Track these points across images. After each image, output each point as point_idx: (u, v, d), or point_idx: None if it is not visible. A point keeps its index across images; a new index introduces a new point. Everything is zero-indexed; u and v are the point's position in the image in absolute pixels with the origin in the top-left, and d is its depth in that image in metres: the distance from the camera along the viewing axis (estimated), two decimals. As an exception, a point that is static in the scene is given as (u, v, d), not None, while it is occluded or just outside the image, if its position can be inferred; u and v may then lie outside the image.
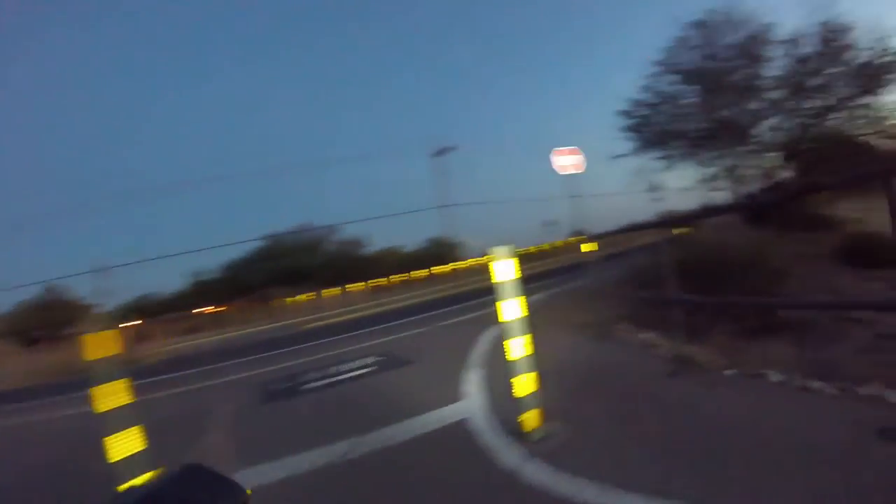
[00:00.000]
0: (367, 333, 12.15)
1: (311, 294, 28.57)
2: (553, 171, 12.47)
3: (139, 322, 24.53)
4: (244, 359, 11.97)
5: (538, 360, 3.76)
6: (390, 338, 10.51)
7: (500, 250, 3.63)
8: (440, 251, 53.48)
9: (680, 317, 6.86)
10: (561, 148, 12.58)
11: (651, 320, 7.17)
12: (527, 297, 3.80)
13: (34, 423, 8.68)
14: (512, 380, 3.66)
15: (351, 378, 7.13)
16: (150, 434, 3.15)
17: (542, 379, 3.79)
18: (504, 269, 3.62)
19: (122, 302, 50.00)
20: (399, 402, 5.31)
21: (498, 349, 7.08)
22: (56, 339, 30.81)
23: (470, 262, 37.90)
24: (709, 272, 7.32)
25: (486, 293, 18.32)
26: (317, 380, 7.47)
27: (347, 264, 51.16)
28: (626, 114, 17.65)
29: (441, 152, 35.87)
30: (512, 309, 3.62)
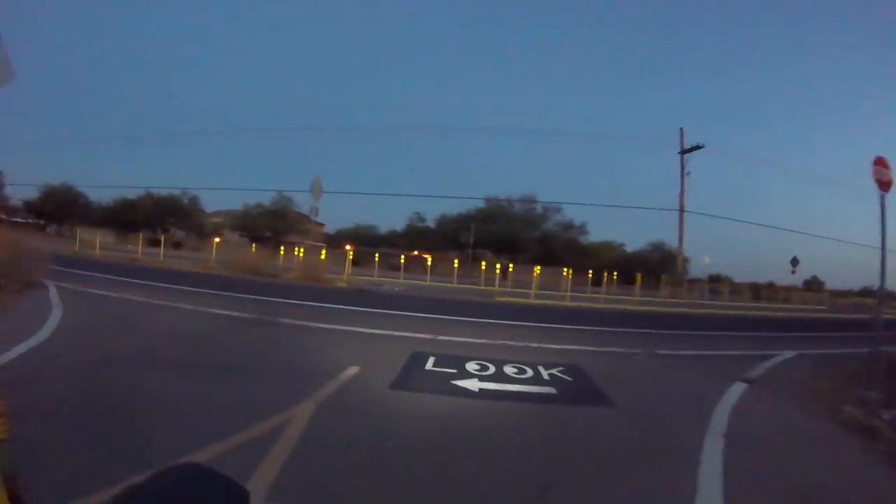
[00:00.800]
0: (562, 332, 9.72)
1: (511, 266, 26.71)
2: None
3: (350, 248, 25.68)
4: (418, 314, 10.62)
5: None
6: (586, 348, 7.92)
7: None
8: (662, 258, 47.64)
9: None
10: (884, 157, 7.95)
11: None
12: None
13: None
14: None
15: (515, 394, 4.87)
16: None
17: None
18: None
19: (340, 227, 55.75)
20: (579, 487, 2.89)
21: (764, 426, 4.34)
22: (278, 242, 34.61)
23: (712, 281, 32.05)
24: None
25: (732, 326, 14.25)
26: (474, 375, 5.38)
27: (562, 247, 48.65)
28: None
29: (689, 150, 30.24)
30: None
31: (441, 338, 7.63)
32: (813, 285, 42.16)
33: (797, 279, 28.18)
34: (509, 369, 5.81)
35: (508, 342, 7.72)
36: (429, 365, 5.75)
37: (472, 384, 5.02)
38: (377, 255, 29.31)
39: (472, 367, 5.78)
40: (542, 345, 7.75)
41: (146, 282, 13.13)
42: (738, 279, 47.28)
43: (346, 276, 20.23)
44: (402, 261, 28.45)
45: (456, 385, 4.95)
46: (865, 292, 56.39)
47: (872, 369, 6.44)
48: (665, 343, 9.04)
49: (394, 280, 25.39)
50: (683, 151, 30.63)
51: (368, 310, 10.76)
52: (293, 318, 8.47)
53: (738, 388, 5.76)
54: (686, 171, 30.29)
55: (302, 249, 23.19)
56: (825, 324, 18.56)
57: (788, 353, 8.74)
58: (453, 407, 4.26)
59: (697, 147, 30.29)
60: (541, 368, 5.97)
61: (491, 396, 4.69)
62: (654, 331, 11.21)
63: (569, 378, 5.67)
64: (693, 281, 30.25)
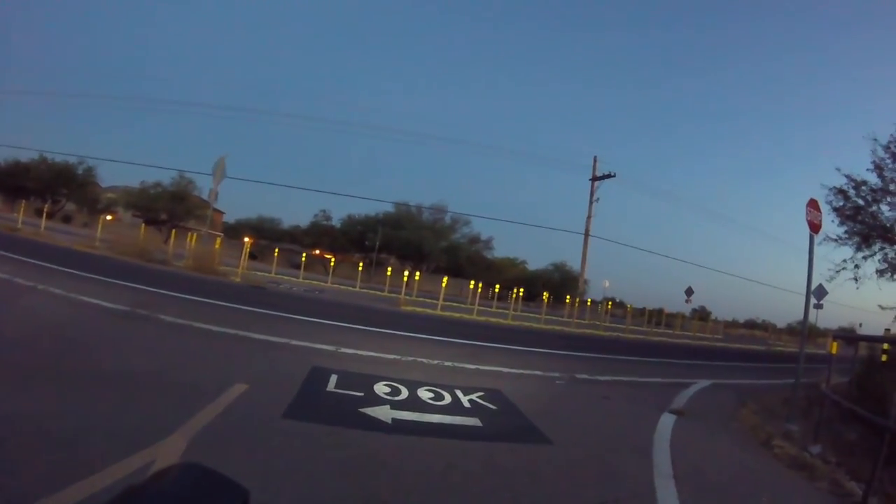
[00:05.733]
0: (475, 349, 9.14)
1: (419, 274, 26.09)
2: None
3: (249, 240, 23.75)
4: (319, 320, 9.57)
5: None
6: (503, 369, 7.38)
7: None
8: (563, 279, 49.53)
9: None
10: (816, 200, 8.37)
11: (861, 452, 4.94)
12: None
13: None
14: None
15: (435, 427, 4.12)
16: None
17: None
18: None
19: (241, 217, 52.58)
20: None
21: (708, 464, 4.21)
22: (175, 227, 31.57)
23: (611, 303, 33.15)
24: None
25: (642, 352, 14.46)
26: (385, 401, 4.57)
27: (467, 259, 48.95)
28: (840, 193, 12.49)
29: (600, 177, 31.46)
30: None
31: (345, 350, 6.72)
32: (701, 314, 45.59)
33: (687, 307, 30.04)
34: (424, 393, 5.07)
35: (420, 359, 6.97)
36: (331, 385, 4.85)
37: (384, 413, 4.21)
38: (277, 250, 27.43)
39: (381, 389, 4.97)
40: (456, 363, 7.09)
41: (14, 255, 11.16)
42: (631, 304, 50.12)
43: (242, 270, 18.50)
44: (304, 258, 26.77)
45: (364, 414, 4.12)
46: (750, 324, 62.59)
47: (791, 403, 6.57)
48: (582, 366, 8.75)
49: (293, 279, 23.79)
50: (595, 178, 31.76)
51: (263, 311, 9.54)
52: (174, 315, 7.13)
53: (667, 420, 5.56)
54: (595, 197, 31.43)
55: (195, 236, 21.01)
56: (726, 353, 19.93)
57: (704, 382, 8.85)
58: (363, 445, 3.42)
59: (608, 175, 31.52)
60: (459, 393, 5.29)
61: (407, 430, 3.91)
62: (567, 352, 11.00)
63: (492, 406, 5.03)
64: (594, 303, 31.24)
